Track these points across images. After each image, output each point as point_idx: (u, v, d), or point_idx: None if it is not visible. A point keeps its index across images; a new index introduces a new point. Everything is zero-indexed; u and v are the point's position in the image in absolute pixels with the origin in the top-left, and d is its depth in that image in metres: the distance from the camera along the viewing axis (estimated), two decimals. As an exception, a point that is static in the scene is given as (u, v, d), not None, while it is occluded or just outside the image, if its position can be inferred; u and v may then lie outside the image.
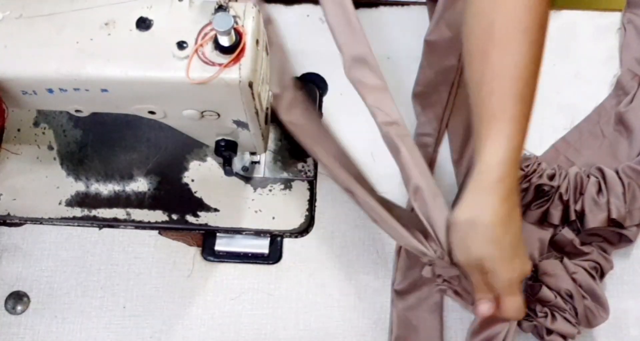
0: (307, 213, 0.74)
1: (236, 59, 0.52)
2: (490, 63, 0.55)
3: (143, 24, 0.54)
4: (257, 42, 0.54)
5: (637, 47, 0.80)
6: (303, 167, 0.76)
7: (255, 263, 0.73)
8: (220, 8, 0.53)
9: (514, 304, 0.56)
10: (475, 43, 0.56)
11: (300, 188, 0.75)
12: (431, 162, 0.77)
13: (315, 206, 0.74)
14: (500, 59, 0.54)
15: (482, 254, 0.54)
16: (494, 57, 0.54)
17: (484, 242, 0.54)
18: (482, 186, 0.54)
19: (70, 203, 0.73)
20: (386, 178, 0.76)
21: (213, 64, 0.52)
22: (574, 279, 0.68)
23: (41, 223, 0.73)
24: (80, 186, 0.74)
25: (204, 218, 0.73)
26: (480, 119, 0.55)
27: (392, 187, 0.75)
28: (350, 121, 0.78)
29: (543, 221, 0.72)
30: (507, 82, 0.54)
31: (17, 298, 0.70)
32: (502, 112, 0.54)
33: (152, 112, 0.59)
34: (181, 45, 0.53)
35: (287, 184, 0.75)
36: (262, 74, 0.58)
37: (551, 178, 0.71)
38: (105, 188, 0.74)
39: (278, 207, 0.74)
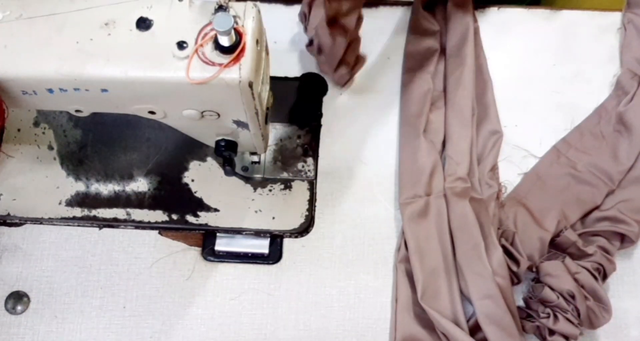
0: (307, 213, 0.74)
1: (236, 59, 0.52)
2: None
3: (143, 24, 0.54)
4: (257, 42, 0.54)
5: (637, 47, 0.80)
6: (303, 167, 0.75)
7: (255, 263, 0.73)
8: (220, 8, 0.53)
9: None
10: None
11: (300, 188, 0.75)
12: None
13: (315, 206, 0.74)
14: None
15: None
16: None
17: None
18: None
19: (70, 203, 0.73)
20: (379, 179, 0.76)
21: (213, 64, 0.52)
22: (576, 280, 0.68)
23: (41, 223, 0.73)
24: (80, 186, 0.74)
25: (204, 218, 0.73)
26: None
27: (385, 189, 0.76)
28: (349, 121, 0.78)
29: None
30: None
31: (17, 298, 0.70)
32: None
33: (152, 112, 0.59)
34: (181, 45, 0.53)
35: (287, 184, 0.75)
36: (262, 74, 0.58)
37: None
38: (105, 188, 0.74)
39: (278, 207, 0.74)
